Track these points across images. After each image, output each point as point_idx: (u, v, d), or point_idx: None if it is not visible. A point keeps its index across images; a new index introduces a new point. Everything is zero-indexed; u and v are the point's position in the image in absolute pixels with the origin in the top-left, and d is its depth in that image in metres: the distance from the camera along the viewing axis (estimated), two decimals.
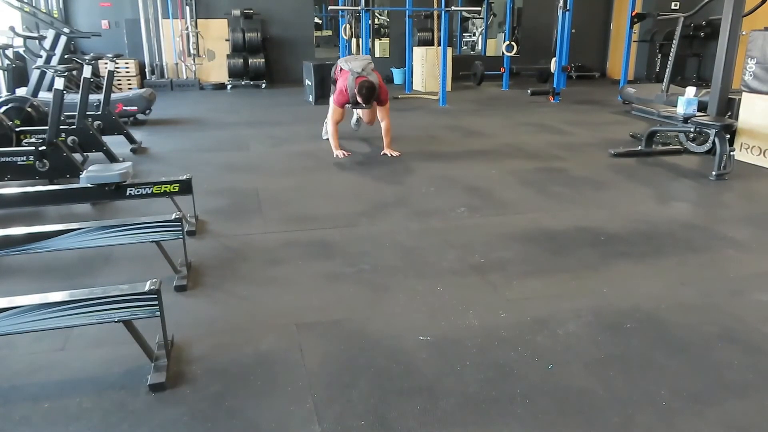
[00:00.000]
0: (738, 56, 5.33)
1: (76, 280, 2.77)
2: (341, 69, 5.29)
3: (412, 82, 10.07)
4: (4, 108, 5.11)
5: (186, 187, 3.37)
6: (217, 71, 10.57)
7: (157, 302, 1.93)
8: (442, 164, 5.04)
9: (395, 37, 11.74)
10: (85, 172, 3.33)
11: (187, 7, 10.31)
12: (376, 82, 5.05)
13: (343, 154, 5.23)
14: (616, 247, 3.21)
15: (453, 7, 10.87)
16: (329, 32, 19.17)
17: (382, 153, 5.32)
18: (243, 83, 10.41)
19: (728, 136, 4.83)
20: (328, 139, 5.48)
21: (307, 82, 8.97)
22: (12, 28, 6.10)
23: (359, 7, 8.34)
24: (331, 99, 5.27)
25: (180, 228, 2.68)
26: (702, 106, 5.34)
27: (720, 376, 2.02)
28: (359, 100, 5.02)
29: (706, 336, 2.29)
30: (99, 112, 5.56)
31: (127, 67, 9.92)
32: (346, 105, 5.21)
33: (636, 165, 5.11)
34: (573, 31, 10.14)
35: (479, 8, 12.82)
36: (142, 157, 5.33)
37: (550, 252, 3.12)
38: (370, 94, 4.98)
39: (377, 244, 3.23)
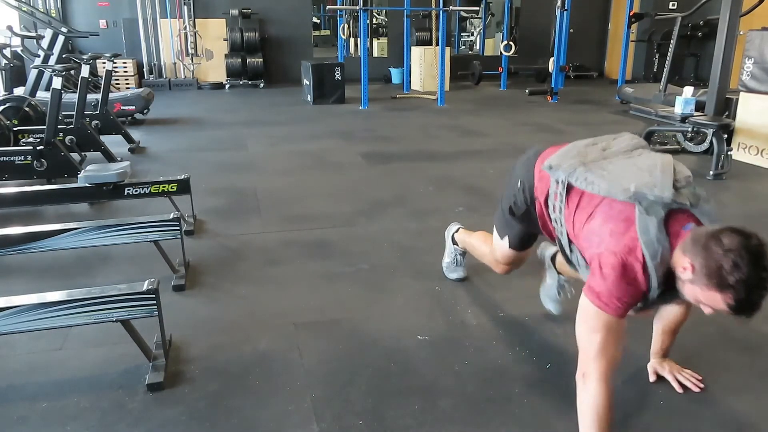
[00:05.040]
0: (735, 56, 5.34)
1: (74, 279, 2.76)
2: (567, 184, 1.75)
3: (410, 82, 10.07)
4: (1, 107, 5.10)
5: (184, 187, 3.38)
6: (215, 71, 10.55)
7: (155, 302, 1.93)
8: (441, 164, 5.04)
9: (393, 36, 11.74)
10: (83, 171, 3.33)
11: (185, 7, 10.29)
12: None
13: None
14: None
15: (451, 7, 10.89)
16: (327, 32, 19.18)
17: (652, 376, 2.01)
18: (241, 83, 10.39)
19: (726, 135, 4.84)
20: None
21: (305, 81, 8.96)
22: (10, 28, 6.08)
23: (357, 7, 8.34)
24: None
25: (178, 227, 2.68)
26: (700, 106, 5.35)
27: (718, 375, 2.03)
28: (737, 305, 1.40)
29: (704, 335, 2.29)
30: (97, 112, 5.55)
31: (125, 67, 9.89)
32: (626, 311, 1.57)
33: None
34: (571, 30, 10.16)
35: (477, 8, 12.85)
36: (140, 157, 5.32)
37: None
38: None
39: (375, 244, 3.23)
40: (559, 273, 2.36)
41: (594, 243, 1.60)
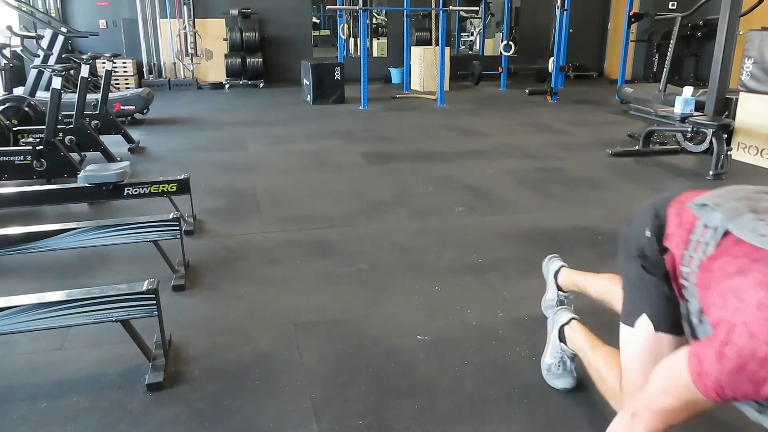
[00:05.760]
0: (735, 56, 5.34)
1: (73, 279, 2.76)
2: (725, 231, 1.22)
3: (410, 82, 10.07)
4: (1, 107, 5.11)
5: (184, 187, 3.38)
6: (215, 71, 10.55)
7: (154, 302, 1.93)
8: (440, 164, 5.04)
9: (393, 36, 11.74)
10: (82, 171, 3.33)
11: (185, 7, 10.29)
12: None
13: None
14: (613, 247, 3.20)
15: (451, 7, 10.90)
16: (327, 32, 19.18)
17: None
18: (241, 83, 10.39)
19: (725, 135, 4.84)
20: None
21: (305, 81, 8.96)
22: (9, 28, 6.09)
23: (357, 7, 8.33)
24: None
25: (178, 227, 2.68)
26: (699, 106, 5.35)
27: None
28: None
29: None
30: (96, 112, 5.55)
31: (124, 67, 9.89)
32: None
33: (633, 165, 5.11)
34: (570, 30, 10.15)
35: (477, 8, 12.84)
36: (139, 157, 5.32)
37: (547, 251, 3.11)
38: None
39: (375, 244, 3.23)
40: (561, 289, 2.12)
41: (730, 306, 1.12)
